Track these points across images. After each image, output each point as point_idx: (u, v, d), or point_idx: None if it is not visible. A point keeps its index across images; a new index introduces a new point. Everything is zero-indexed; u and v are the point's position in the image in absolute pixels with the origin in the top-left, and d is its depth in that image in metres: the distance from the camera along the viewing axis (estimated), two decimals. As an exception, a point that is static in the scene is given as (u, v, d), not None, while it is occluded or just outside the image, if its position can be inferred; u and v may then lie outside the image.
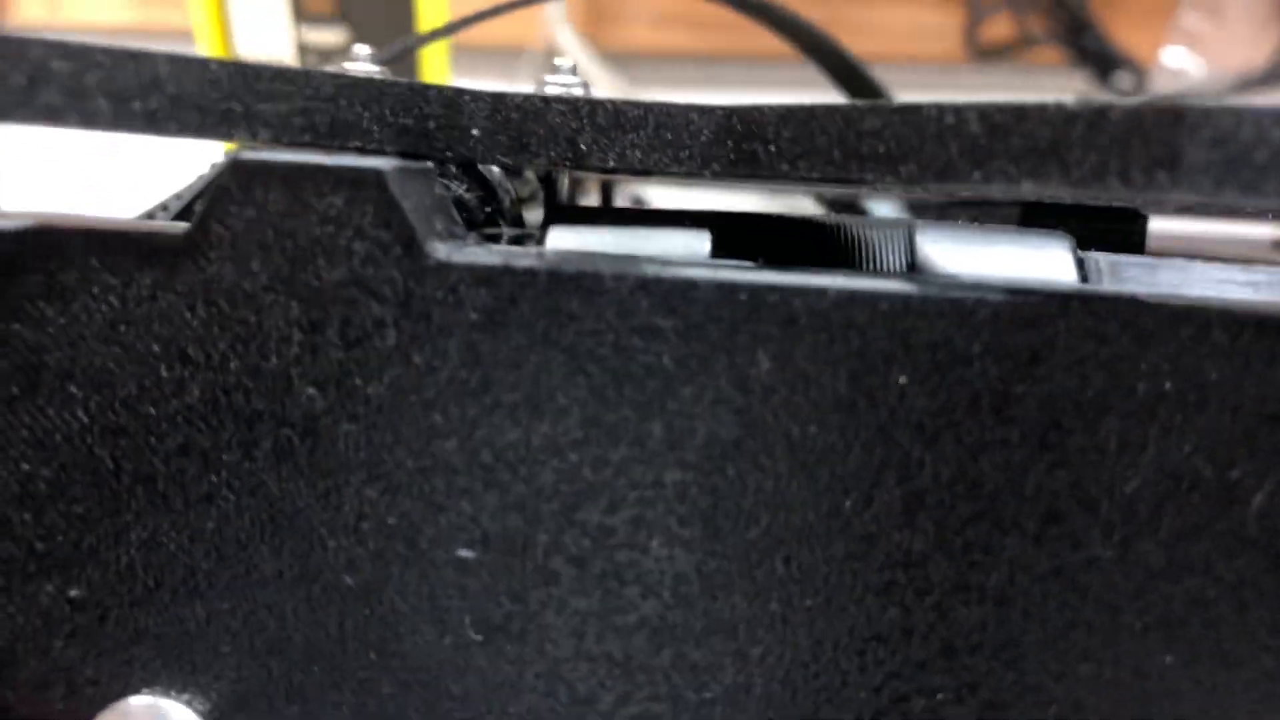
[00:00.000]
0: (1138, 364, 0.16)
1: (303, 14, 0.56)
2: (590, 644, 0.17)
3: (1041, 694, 0.17)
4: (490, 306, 0.16)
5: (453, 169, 0.20)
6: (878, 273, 0.19)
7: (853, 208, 0.42)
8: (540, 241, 0.19)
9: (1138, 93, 0.84)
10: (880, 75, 0.40)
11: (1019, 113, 0.15)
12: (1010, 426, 0.16)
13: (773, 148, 0.18)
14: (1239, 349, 0.15)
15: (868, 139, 0.16)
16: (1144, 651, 0.16)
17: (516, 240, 0.19)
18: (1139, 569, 0.16)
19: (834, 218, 0.20)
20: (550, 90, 0.25)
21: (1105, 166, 0.14)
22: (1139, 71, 0.83)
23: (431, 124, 0.18)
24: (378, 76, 0.18)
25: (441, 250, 0.16)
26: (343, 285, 0.16)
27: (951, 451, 0.16)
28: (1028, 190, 0.15)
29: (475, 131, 0.19)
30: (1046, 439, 0.16)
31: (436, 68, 0.56)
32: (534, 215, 0.28)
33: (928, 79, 0.88)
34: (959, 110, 0.15)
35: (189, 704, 0.18)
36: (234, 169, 0.16)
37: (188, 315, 0.16)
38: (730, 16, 0.46)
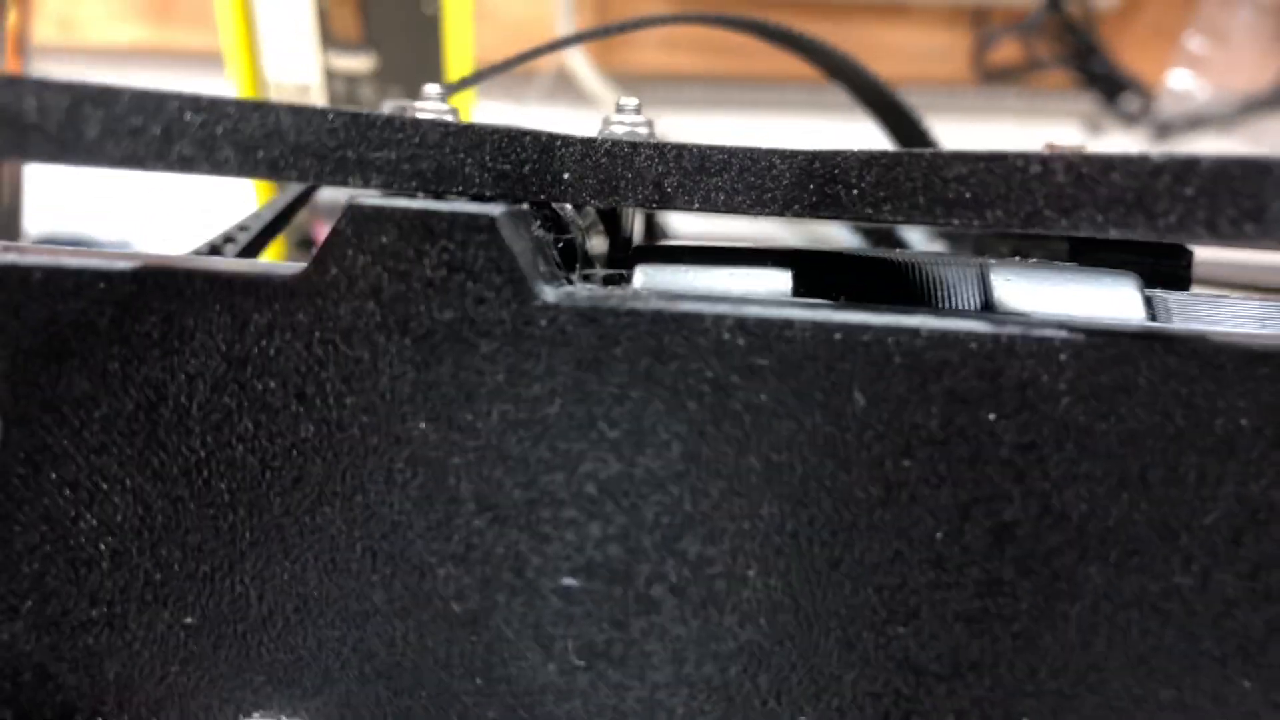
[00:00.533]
0: (1215, 402, 0.16)
1: (330, 40, 0.57)
2: (689, 670, 0.18)
3: (1124, 718, 0.17)
4: (595, 345, 0.17)
5: (535, 210, 0.21)
6: (957, 311, 0.20)
7: (888, 236, 0.43)
8: (628, 280, 0.19)
9: (1144, 115, 0.85)
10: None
11: (1105, 164, 0.16)
12: (1093, 461, 0.17)
13: (855, 191, 0.18)
14: None
15: (953, 185, 0.17)
16: (1223, 678, 0.17)
17: (607, 281, 0.19)
18: (1217, 598, 0.17)
19: (909, 254, 0.21)
20: (616, 130, 0.26)
21: (1192, 217, 0.15)
22: (1145, 94, 0.85)
23: (527, 169, 0.19)
24: (477, 124, 0.19)
25: (549, 292, 0.17)
26: (454, 325, 0.17)
27: (1037, 485, 0.17)
28: (1114, 235, 0.16)
29: (566, 175, 0.19)
30: (1128, 473, 0.17)
31: (464, 95, 0.57)
32: (595, 243, 0.29)
33: (935, 101, 0.90)
34: (1045, 160, 0.16)
35: (300, 727, 0.18)
36: (351, 214, 0.17)
37: (303, 353, 0.17)
38: (738, 40, 0.47)
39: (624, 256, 0.22)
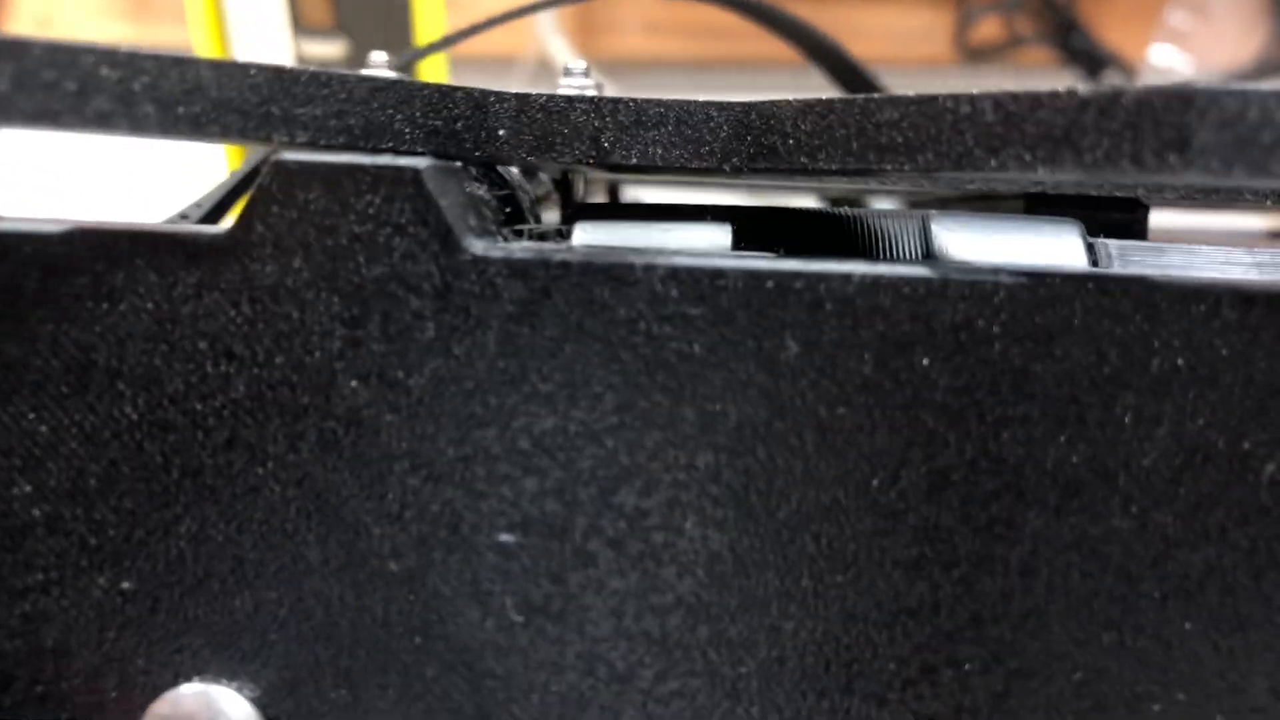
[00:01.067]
0: (1151, 342, 0.16)
1: (301, 27, 0.57)
2: (629, 623, 0.18)
3: (1066, 662, 0.17)
4: (525, 298, 0.17)
5: (474, 171, 0.21)
6: (894, 260, 0.19)
7: (858, 207, 0.43)
8: (567, 237, 0.19)
9: (1126, 91, 0.84)
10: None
11: (1033, 100, 0.15)
12: (1030, 404, 0.17)
13: (791, 141, 0.18)
14: (1248, 325, 0.16)
15: (885, 129, 0.17)
16: (1163, 619, 0.17)
17: (543, 236, 0.19)
18: (1157, 539, 0.17)
19: (851, 210, 0.21)
20: (564, 91, 0.26)
21: (1118, 150, 0.15)
22: (1128, 71, 0.84)
23: (460, 125, 0.19)
24: (406, 80, 0.19)
25: (477, 245, 0.17)
26: (382, 280, 0.17)
27: (974, 429, 0.17)
28: (1042, 176, 0.15)
29: (501, 132, 0.19)
30: (1065, 416, 0.17)
31: (435, 78, 0.57)
32: (550, 216, 0.29)
33: (917, 81, 0.89)
34: (974, 100, 0.16)
35: (239, 690, 0.18)
36: (275, 170, 0.17)
37: (232, 313, 0.17)
38: (721, 23, 0.47)
39: (567, 214, 0.22)
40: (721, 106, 0.19)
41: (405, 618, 0.18)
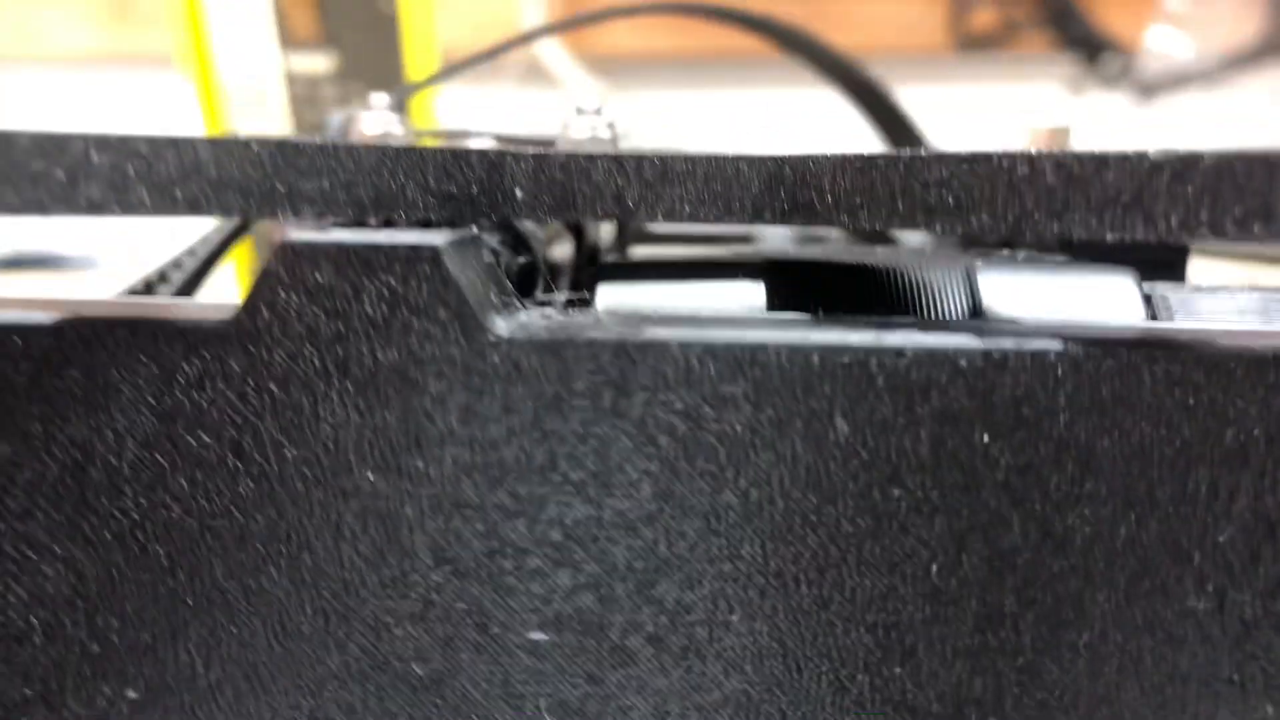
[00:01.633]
0: (1225, 410, 0.15)
1: (289, 41, 0.55)
2: None
3: None
4: (553, 380, 0.16)
5: (487, 226, 0.20)
6: (946, 322, 0.18)
7: (881, 234, 0.42)
8: (590, 302, 0.18)
9: (1126, 76, 0.83)
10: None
11: (1098, 162, 0.14)
12: (1097, 480, 0.15)
13: (830, 198, 0.17)
14: None
15: (934, 189, 0.16)
16: (1243, 703, 0.16)
17: (570, 304, 0.18)
18: (1235, 620, 0.16)
19: (889, 256, 0.20)
20: (576, 132, 0.24)
21: (1195, 218, 0.14)
22: (1126, 54, 0.83)
23: (475, 189, 0.17)
24: (418, 144, 0.17)
25: (500, 325, 0.16)
26: (399, 366, 0.16)
27: (1037, 509, 0.16)
28: (1110, 239, 0.14)
29: (518, 193, 0.18)
30: (1134, 491, 0.15)
31: (428, 88, 0.55)
32: (560, 250, 0.27)
33: (914, 71, 0.88)
34: (1032, 160, 0.15)
35: (258, 802, 0.17)
36: (281, 251, 0.15)
37: (238, 404, 0.16)
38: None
39: (588, 270, 0.21)
40: (752, 161, 0.18)
41: None
